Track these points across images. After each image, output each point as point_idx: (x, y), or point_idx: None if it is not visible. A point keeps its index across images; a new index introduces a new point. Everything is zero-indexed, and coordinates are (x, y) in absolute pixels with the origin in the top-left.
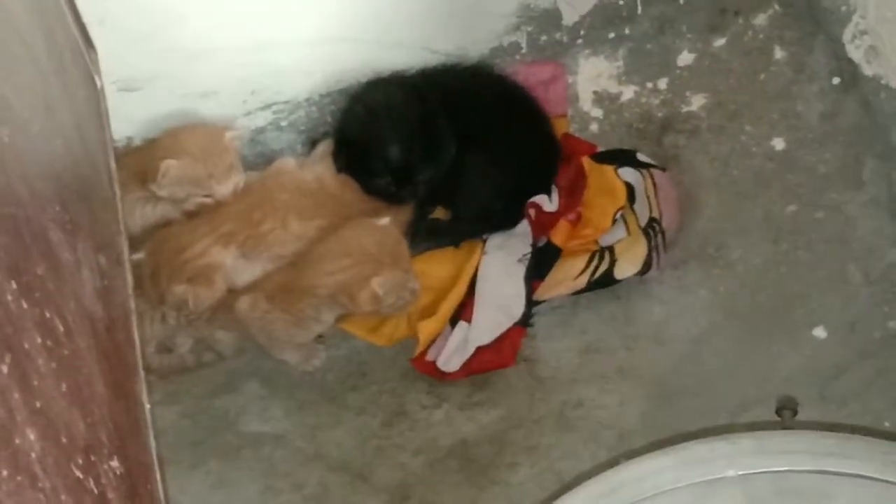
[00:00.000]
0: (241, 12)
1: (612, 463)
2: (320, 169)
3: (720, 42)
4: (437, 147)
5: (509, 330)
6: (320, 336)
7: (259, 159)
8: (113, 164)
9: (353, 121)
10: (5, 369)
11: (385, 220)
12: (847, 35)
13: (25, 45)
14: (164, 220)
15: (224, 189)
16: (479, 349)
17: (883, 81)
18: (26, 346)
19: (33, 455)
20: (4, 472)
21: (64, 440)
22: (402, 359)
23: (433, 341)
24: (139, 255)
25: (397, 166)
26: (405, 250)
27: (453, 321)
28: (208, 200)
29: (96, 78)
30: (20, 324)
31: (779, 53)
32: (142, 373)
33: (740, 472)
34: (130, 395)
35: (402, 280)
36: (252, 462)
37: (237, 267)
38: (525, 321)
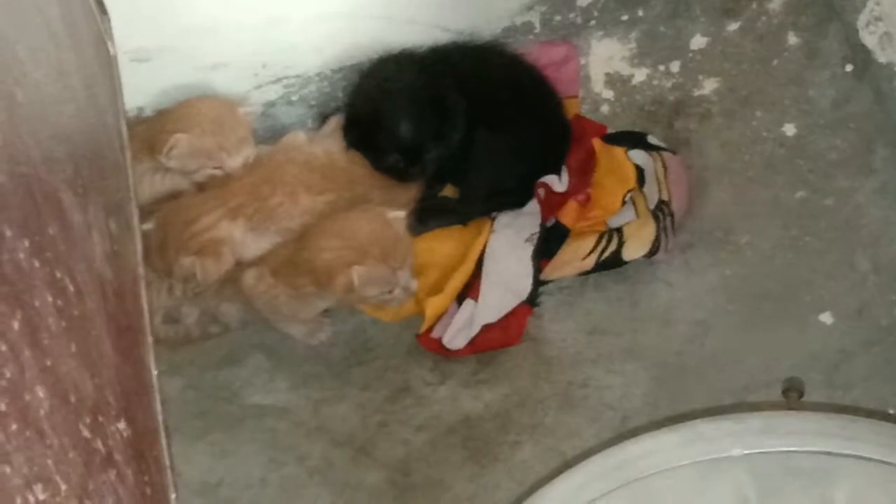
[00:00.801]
0: None
1: (615, 441)
2: (330, 144)
3: (734, 26)
4: (448, 125)
5: (516, 309)
6: (326, 310)
7: (269, 133)
8: (125, 131)
9: (364, 98)
10: (16, 326)
11: (399, 214)
12: (861, 21)
13: (38, 7)
14: (173, 190)
15: (235, 162)
16: (485, 327)
17: None
18: (37, 304)
19: (42, 412)
20: (14, 427)
21: (72, 399)
22: (408, 335)
23: (439, 318)
24: (148, 226)
25: (407, 144)
26: (403, 248)
27: (460, 299)
28: (219, 172)
29: (109, 44)
30: (31, 282)
31: (792, 39)
32: (150, 339)
33: (745, 451)
34: (138, 360)
35: (384, 275)
36: (256, 434)
37: (245, 240)
38: (532, 300)
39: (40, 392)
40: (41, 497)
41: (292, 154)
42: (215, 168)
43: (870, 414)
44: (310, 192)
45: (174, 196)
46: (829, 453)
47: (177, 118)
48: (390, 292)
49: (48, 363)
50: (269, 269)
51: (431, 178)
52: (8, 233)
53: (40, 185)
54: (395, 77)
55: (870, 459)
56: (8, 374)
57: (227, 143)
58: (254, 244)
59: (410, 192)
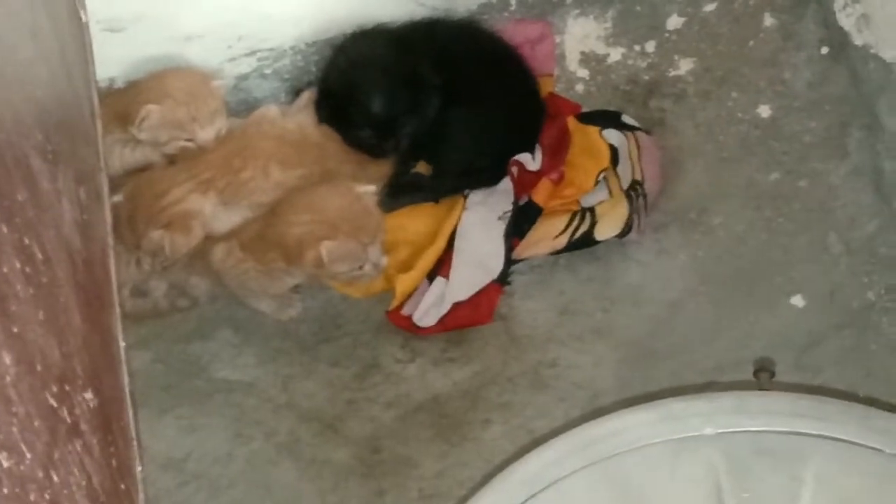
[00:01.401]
0: None
1: (585, 419)
2: (303, 118)
3: (710, 7)
4: (421, 100)
5: (487, 287)
6: (296, 286)
7: (242, 106)
8: (96, 100)
9: (336, 72)
10: None
11: (369, 188)
12: (838, 3)
13: None
14: (144, 162)
15: (206, 134)
16: (456, 305)
17: (872, 51)
18: (5, 270)
19: (8, 379)
20: None
21: (39, 367)
22: (378, 312)
23: (410, 295)
24: (117, 198)
25: (379, 119)
26: (374, 224)
27: (431, 276)
28: (190, 145)
29: (82, 12)
30: None
31: (768, 20)
32: (118, 310)
33: (717, 431)
34: (106, 330)
35: (354, 251)
36: (223, 409)
37: (216, 214)
38: (503, 279)
39: (6, 358)
40: (6, 465)
41: (265, 128)
42: (187, 140)
43: (840, 396)
44: (282, 166)
45: (144, 168)
46: (799, 433)
47: (149, 89)
48: (360, 268)
49: (15, 330)
50: (239, 244)
51: (404, 155)
52: None
53: (10, 149)
54: (369, 52)
55: (840, 440)
56: None
57: (200, 115)
58: (224, 218)
59: (383, 168)
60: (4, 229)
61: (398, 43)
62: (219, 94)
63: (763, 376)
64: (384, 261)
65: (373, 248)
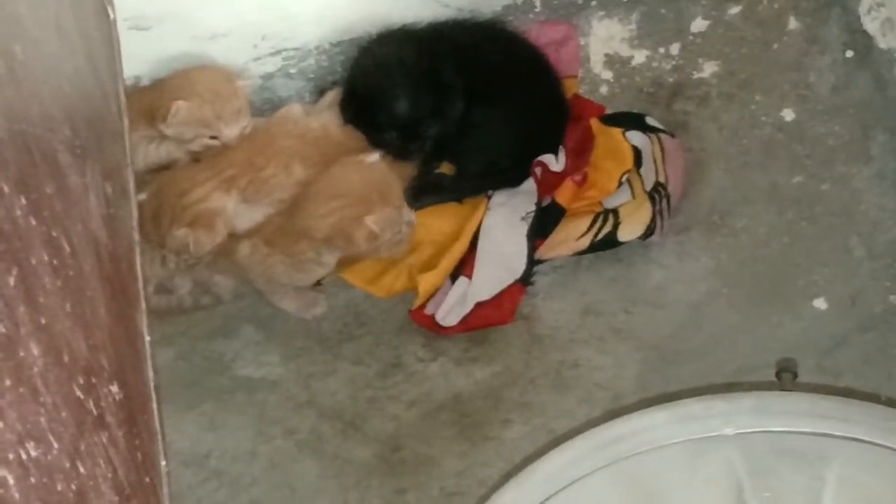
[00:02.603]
0: None
1: (606, 419)
2: (326, 117)
3: (735, 10)
4: (445, 102)
5: (509, 287)
6: (319, 283)
7: (266, 105)
8: (122, 96)
9: (362, 74)
10: (12, 282)
11: (374, 157)
12: (863, 7)
13: None
14: (168, 160)
15: (231, 131)
16: (479, 305)
17: None
18: (33, 261)
19: (36, 369)
20: (7, 382)
21: (66, 359)
22: (401, 311)
23: (433, 295)
24: (142, 196)
25: (404, 121)
26: (394, 184)
27: (454, 276)
28: (214, 142)
29: (109, 9)
30: (28, 240)
31: (793, 24)
32: (143, 305)
33: (737, 431)
34: (131, 324)
35: (394, 215)
36: (246, 406)
37: (239, 212)
38: (526, 279)
39: (34, 349)
40: (33, 454)
41: (288, 126)
42: (212, 138)
43: (862, 398)
44: (304, 164)
45: (168, 166)
46: (821, 434)
47: (176, 87)
48: (399, 231)
49: (43, 321)
50: (263, 240)
51: (428, 155)
52: (5, 189)
53: (38, 143)
54: (394, 54)
55: (862, 441)
56: (3, 330)
57: (225, 112)
58: (247, 215)
59: (407, 168)
60: (33, 221)
61: (422, 45)
62: (243, 92)
63: (786, 377)
64: (413, 216)
65: (404, 209)
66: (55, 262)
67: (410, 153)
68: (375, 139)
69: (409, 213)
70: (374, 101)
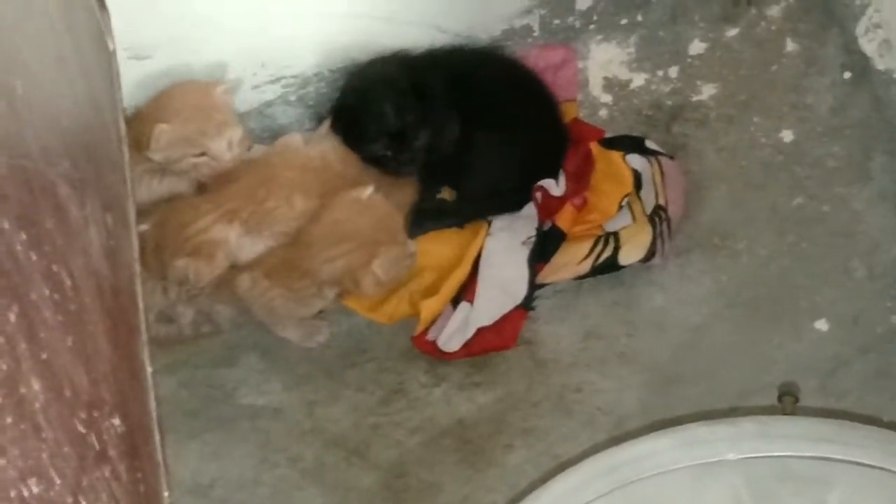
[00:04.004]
0: None
1: (609, 444)
2: (325, 146)
3: (733, 32)
4: (431, 112)
5: (511, 312)
6: (321, 312)
7: (266, 133)
8: (123, 127)
9: (351, 89)
10: (13, 318)
11: (369, 190)
12: (860, 28)
13: (39, 1)
14: (171, 193)
15: (218, 145)
16: (480, 330)
17: (895, 76)
18: (34, 297)
19: (37, 405)
20: (9, 419)
21: (68, 393)
22: (403, 337)
23: (434, 321)
24: (144, 227)
25: (392, 129)
26: (396, 219)
27: (455, 301)
28: (205, 160)
29: (108, 40)
30: (28, 275)
31: (791, 45)
32: (145, 336)
33: (741, 456)
34: (133, 356)
35: (400, 253)
36: (249, 434)
37: (241, 244)
38: (527, 304)
39: (36, 385)
40: (35, 490)
41: (288, 157)
42: (200, 154)
43: (864, 421)
44: (305, 195)
45: (172, 198)
46: (823, 458)
47: (156, 110)
48: (405, 266)
49: (44, 356)
50: (264, 273)
51: (428, 180)
52: (5, 224)
53: (38, 177)
54: (381, 70)
55: (864, 465)
56: (4, 367)
57: (208, 127)
58: (248, 247)
59: (407, 194)
60: (33, 257)
61: (413, 64)
62: (225, 102)
63: (787, 401)
64: (415, 247)
65: (408, 243)
66: (56, 296)
67: (402, 168)
68: (366, 153)
69: (411, 245)
70: (361, 111)
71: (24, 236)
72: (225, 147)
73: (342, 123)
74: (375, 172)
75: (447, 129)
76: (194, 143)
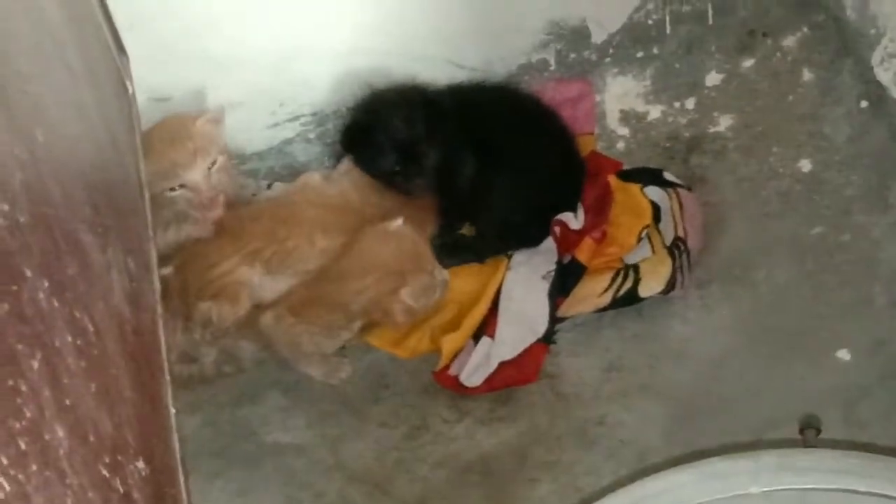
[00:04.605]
0: (272, 23)
1: (632, 479)
2: (345, 183)
3: (749, 63)
4: (440, 128)
5: (532, 346)
6: (343, 348)
7: (286, 171)
8: (143, 171)
9: (361, 108)
10: (36, 366)
11: (398, 221)
12: (876, 58)
13: (59, 47)
14: (188, 240)
15: (193, 175)
16: (502, 364)
17: None
18: (57, 344)
19: (62, 451)
20: (34, 467)
21: (92, 439)
22: (425, 372)
23: (456, 355)
24: (166, 270)
25: (401, 143)
26: (425, 249)
27: (476, 336)
28: (182, 192)
29: (128, 83)
30: (51, 322)
31: (807, 75)
32: (167, 377)
33: (763, 489)
34: (156, 398)
35: (428, 282)
36: (273, 472)
37: (263, 283)
38: (548, 338)
39: (60, 432)
40: None
41: (308, 195)
42: (180, 187)
43: (888, 452)
44: (326, 233)
45: (193, 242)
46: (846, 490)
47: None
48: (435, 294)
49: (68, 403)
50: (288, 309)
51: (448, 216)
52: (28, 273)
53: (60, 224)
54: (392, 90)
55: (887, 497)
56: (28, 414)
57: (180, 158)
58: (270, 286)
59: (426, 229)
60: (56, 304)
61: (429, 97)
62: (204, 131)
63: (809, 433)
64: (446, 273)
65: (437, 270)
66: (79, 342)
67: (412, 184)
68: (375, 169)
69: (442, 273)
70: (371, 126)
71: (46, 284)
72: (200, 176)
73: (352, 140)
74: (395, 208)
75: (463, 162)
76: (169, 175)
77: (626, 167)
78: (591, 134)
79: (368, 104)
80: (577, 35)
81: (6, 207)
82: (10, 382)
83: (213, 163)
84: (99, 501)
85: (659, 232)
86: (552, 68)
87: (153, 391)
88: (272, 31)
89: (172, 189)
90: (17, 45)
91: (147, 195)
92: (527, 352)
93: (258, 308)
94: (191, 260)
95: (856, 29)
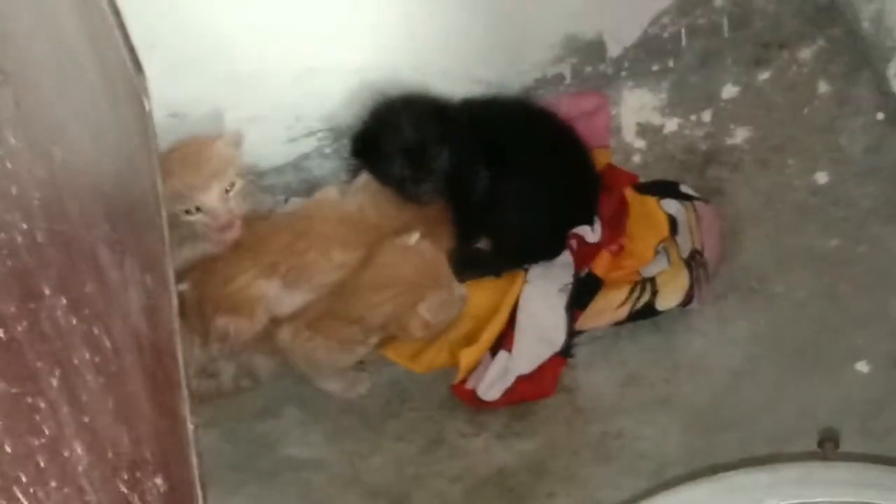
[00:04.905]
0: (290, 39)
1: (651, 493)
2: (361, 198)
3: (764, 75)
4: (450, 133)
5: (550, 360)
6: (361, 362)
7: (303, 185)
8: (160, 187)
9: (372, 114)
10: (55, 383)
11: (416, 236)
12: (892, 70)
13: (77, 65)
14: (204, 257)
15: (209, 198)
16: (520, 378)
17: None
18: (75, 361)
19: (80, 468)
20: (53, 484)
21: (110, 455)
22: (442, 386)
23: (473, 369)
24: (183, 286)
25: (410, 146)
26: (443, 264)
27: (494, 350)
28: (199, 217)
29: (145, 101)
30: (69, 339)
31: (823, 87)
32: (185, 392)
33: (781, 503)
34: (174, 413)
35: (446, 297)
36: (291, 487)
37: (280, 297)
38: (566, 351)
39: (79, 448)
40: None
41: (325, 210)
42: (196, 210)
43: None
44: (343, 248)
45: (210, 257)
46: (864, 503)
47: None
48: (454, 309)
49: (86, 420)
50: (306, 324)
51: (464, 230)
52: (46, 291)
53: (78, 242)
54: (402, 97)
55: None
56: (47, 431)
57: (196, 181)
58: (287, 301)
59: (443, 244)
60: (74, 321)
61: (444, 111)
62: (218, 155)
63: (828, 446)
64: (464, 289)
65: (455, 285)
66: (97, 359)
67: (421, 189)
68: (385, 175)
69: (460, 288)
70: (380, 130)
71: (64, 301)
72: (217, 199)
73: (362, 146)
74: (412, 222)
75: (477, 175)
76: (185, 198)
77: (642, 180)
78: (607, 147)
79: (378, 111)
80: (593, 49)
81: (24, 226)
82: (30, 400)
83: (231, 185)
84: None
85: (676, 245)
86: (568, 82)
87: (171, 407)
88: (289, 47)
89: (189, 212)
90: (36, 64)
91: (164, 212)
92: (544, 366)
93: (275, 322)
94: (207, 275)
95: (872, 41)
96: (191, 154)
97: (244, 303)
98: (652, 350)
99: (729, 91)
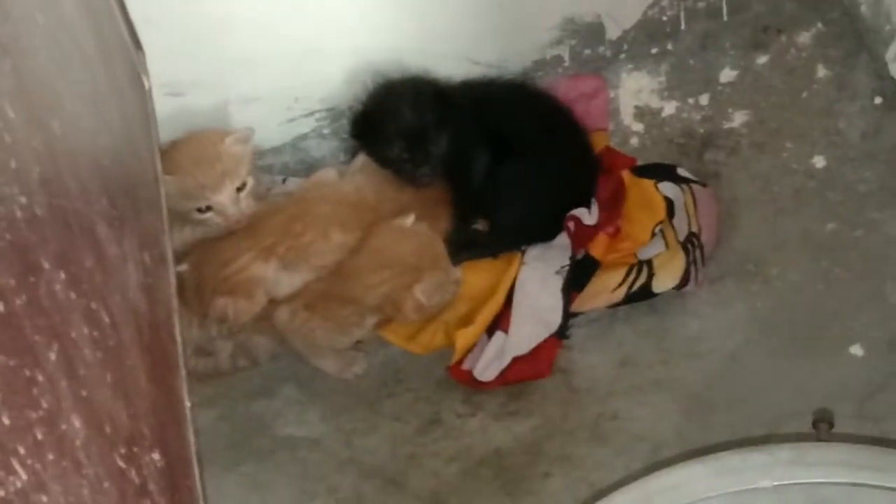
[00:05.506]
0: (288, 20)
1: (645, 473)
2: (359, 180)
3: (763, 59)
4: (449, 117)
5: (546, 341)
6: (359, 342)
7: (300, 166)
8: (159, 165)
9: (371, 95)
10: (53, 357)
11: (412, 218)
12: (890, 54)
13: (76, 42)
14: (204, 237)
15: (221, 197)
16: (516, 359)
17: None
18: (73, 335)
19: (78, 442)
20: (50, 456)
21: (108, 430)
22: (439, 367)
23: (470, 350)
24: (182, 267)
25: (408, 129)
26: (440, 247)
27: (490, 331)
28: (210, 215)
29: (144, 78)
30: (68, 314)
31: (821, 72)
32: (183, 370)
33: (775, 483)
34: (172, 390)
35: (442, 280)
36: (287, 466)
37: (278, 279)
38: (562, 333)
39: (76, 422)
40: None
41: (323, 191)
42: (206, 208)
43: None
44: (341, 229)
45: (209, 239)
46: (858, 484)
47: (164, 161)
48: (448, 292)
49: (84, 394)
50: (304, 305)
51: (461, 212)
52: (45, 265)
53: (77, 217)
54: (401, 78)
55: None
56: (45, 405)
57: (207, 180)
58: (286, 282)
59: (440, 225)
60: (73, 295)
61: (443, 92)
62: (229, 153)
63: (822, 427)
64: (459, 273)
65: (451, 268)
66: (95, 334)
67: (419, 172)
68: (383, 158)
69: (456, 271)
70: (379, 112)
71: (63, 276)
72: (228, 199)
73: (361, 128)
74: (411, 203)
75: (475, 156)
76: (195, 197)
77: (640, 163)
78: (605, 130)
79: (377, 93)
80: (592, 31)
81: (23, 200)
82: (28, 373)
83: (243, 185)
84: (114, 492)
85: (673, 227)
86: (566, 64)
87: (169, 384)
88: (288, 27)
89: (200, 210)
90: (34, 38)
91: (162, 190)
92: (540, 347)
93: (273, 303)
94: (206, 256)
95: (870, 25)
96: (201, 150)
97: (243, 284)
98: (648, 332)
99: (727, 75)
